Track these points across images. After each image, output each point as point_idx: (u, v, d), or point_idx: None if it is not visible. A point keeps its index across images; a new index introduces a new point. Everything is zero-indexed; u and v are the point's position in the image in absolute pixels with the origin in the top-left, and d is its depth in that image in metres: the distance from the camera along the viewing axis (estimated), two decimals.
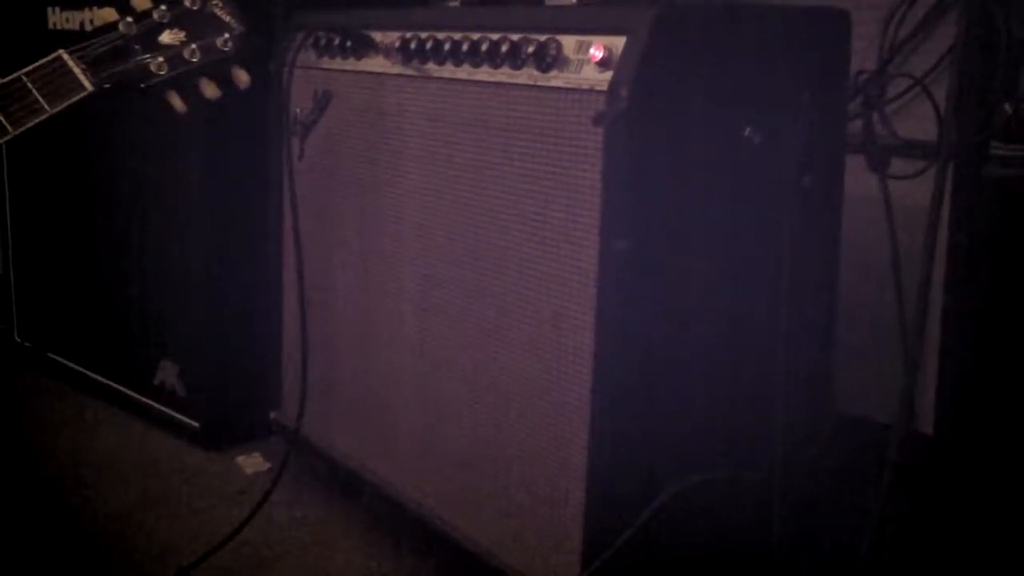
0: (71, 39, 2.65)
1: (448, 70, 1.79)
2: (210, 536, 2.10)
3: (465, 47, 1.75)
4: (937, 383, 1.77)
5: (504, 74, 1.68)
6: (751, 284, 1.65)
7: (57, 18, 2.69)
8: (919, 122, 1.89)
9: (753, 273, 1.65)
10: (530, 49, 1.63)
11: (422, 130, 1.86)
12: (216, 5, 1.64)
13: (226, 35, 1.64)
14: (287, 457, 2.10)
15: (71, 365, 2.88)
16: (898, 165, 1.83)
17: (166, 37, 1.62)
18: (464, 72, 1.76)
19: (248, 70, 1.68)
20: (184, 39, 1.62)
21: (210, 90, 1.66)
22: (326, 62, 2.08)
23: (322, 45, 2.09)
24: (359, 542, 2.12)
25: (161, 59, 1.61)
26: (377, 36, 1.94)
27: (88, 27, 2.58)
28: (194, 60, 1.62)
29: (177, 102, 1.65)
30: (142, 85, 1.62)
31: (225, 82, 1.67)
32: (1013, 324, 1.58)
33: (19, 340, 3.08)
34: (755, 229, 1.64)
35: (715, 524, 1.66)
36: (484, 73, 1.72)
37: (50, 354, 2.95)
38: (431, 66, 1.82)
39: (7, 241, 3.06)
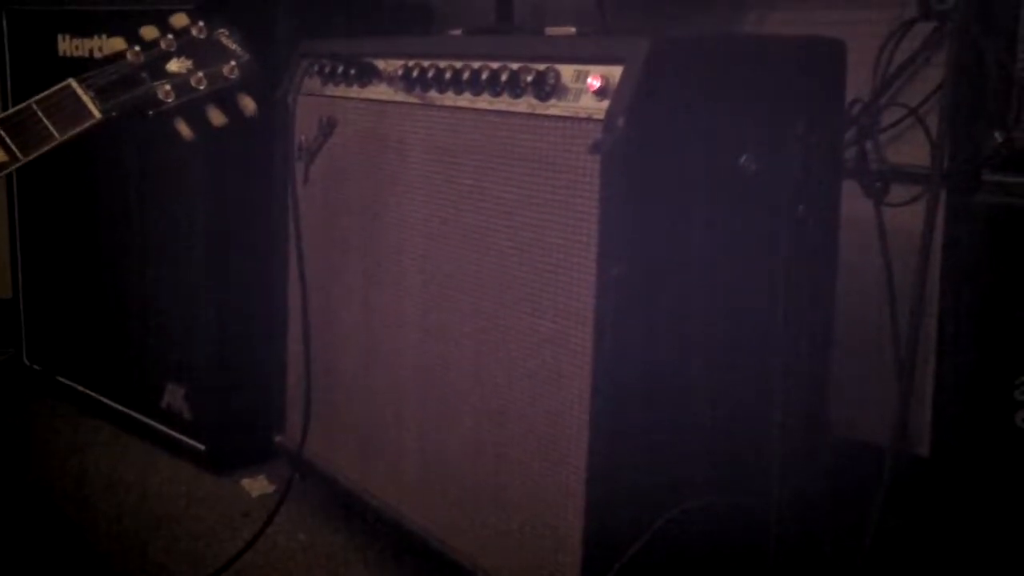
0: (80, 66, 2.69)
1: (449, 98, 1.82)
2: (214, 559, 2.12)
3: (466, 75, 1.77)
4: (932, 406, 1.78)
5: (504, 102, 1.70)
6: (747, 310, 1.67)
7: (67, 45, 2.72)
8: (915, 150, 1.92)
9: (749, 299, 1.67)
10: (529, 78, 1.65)
11: (424, 157, 1.89)
12: (222, 34, 1.67)
13: (232, 63, 1.66)
14: (290, 480, 2.12)
15: (79, 388, 2.90)
16: (894, 192, 1.85)
17: (173, 65, 1.64)
18: (465, 100, 1.78)
19: (254, 98, 1.70)
20: (191, 67, 1.65)
21: (217, 118, 1.68)
22: (330, 89, 2.11)
23: (326, 73, 2.11)
24: (362, 565, 2.14)
25: (168, 87, 1.63)
26: (380, 64, 1.97)
27: (97, 54, 2.60)
28: (201, 88, 1.65)
29: (184, 129, 1.67)
30: (150, 112, 1.64)
31: (232, 110, 1.69)
32: (1006, 348, 1.60)
33: (28, 363, 3.10)
34: (751, 256, 1.66)
35: (712, 548, 1.67)
36: (484, 101, 1.74)
37: (58, 377, 2.97)
38: (433, 94, 1.85)
39: (16, 265, 3.09)
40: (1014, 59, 1.54)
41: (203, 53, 1.66)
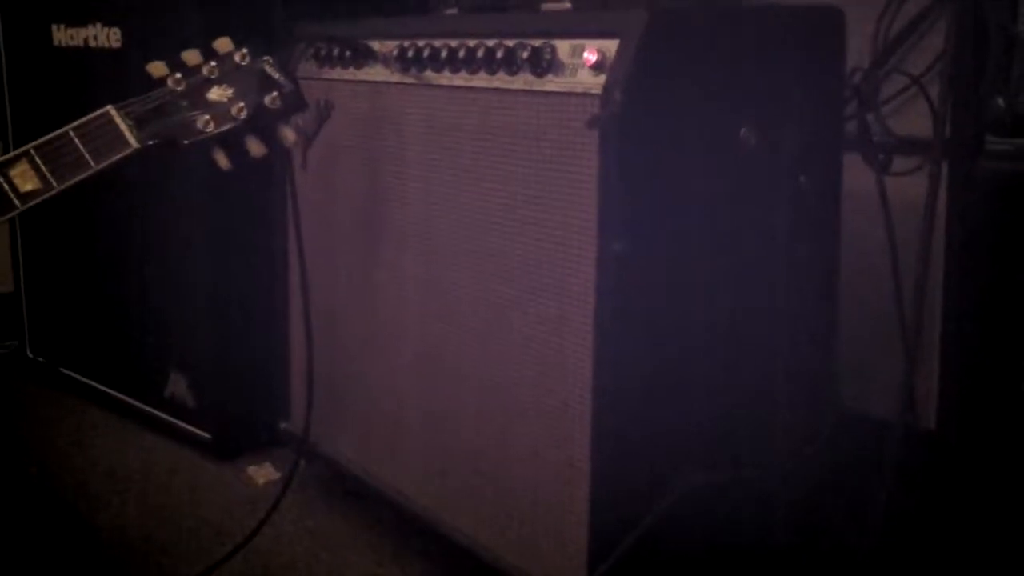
0: (75, 56, 2.68)
1: (446, 77, 1.80)
2: (221, 546, 2.11)
3: (462, 54, 1.76)
4: (939, 378, 1.77)
5: (500, 80, 1.69)
6: (751, 284, 1.66)
7: (62, 35, 2.71)
8: (917, 119, 1.90)
9: (752, 273, 1.66)
10: (525, 54, 1.64)
11: (421, 137, 1.88)
12: (267, 62, 1.62)
13: (275, 93, 1.61)
14: (295, 466, 2.11)
15: (83, 379, 2.89)
16: (896, 161, 1.83)
17: (214, 94, 1.59)
18: (461, 79, 1.77)
19: (293, 127, 1.66)
20: (232, 96, 1.59)
21: (256, 148, 1.63)
22: (327, 72, 2.10)
23: (322, 56, 2.10)
24: (367, 549, 2.13)
25: (207, 117, 1.58)
26: (376, 45, 1.96)
27: (92, 43, 2.60)
28: (241, 118, 1.60)
29: (222, 160, 1.61)
30: (186, 142, 1.59)
31: (270, 139, 1.64)
32: (1012, 317, 1.59)
33: (31, 355, 3.10)
34: (753, 229, 1.65)
35: (719, 525, 1.66)
36: (481, 79, 1.73)
37: (62, 369, 2.97)
38: (429, 73, 1.84)
39: (18, 258, 3.08)
40: (1016, 23, 1.53)
41: (245, 81, 1.60)
